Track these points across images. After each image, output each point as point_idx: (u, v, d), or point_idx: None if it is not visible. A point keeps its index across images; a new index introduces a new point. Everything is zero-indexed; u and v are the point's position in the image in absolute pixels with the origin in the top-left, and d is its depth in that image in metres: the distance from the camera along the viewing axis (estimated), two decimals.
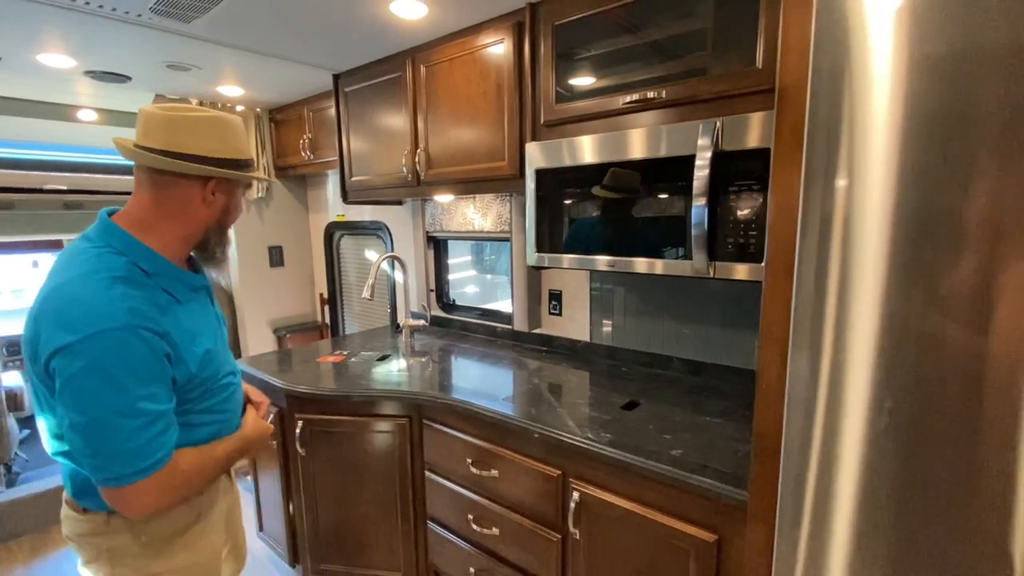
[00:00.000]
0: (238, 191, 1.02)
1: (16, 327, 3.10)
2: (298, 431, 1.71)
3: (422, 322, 2.19)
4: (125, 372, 0.81)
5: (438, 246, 2.48)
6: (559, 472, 1.30)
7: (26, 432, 2.86)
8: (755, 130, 1.10)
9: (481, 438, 1.48)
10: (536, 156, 1.51)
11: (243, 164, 0.99)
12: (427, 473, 1.66)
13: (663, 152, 1.25)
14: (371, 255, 2.95)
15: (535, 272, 2.03)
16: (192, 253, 1.01)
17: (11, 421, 2.42)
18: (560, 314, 2.02)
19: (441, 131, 1.84)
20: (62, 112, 2.60)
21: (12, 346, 3.04)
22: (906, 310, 0.71)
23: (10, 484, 2.31)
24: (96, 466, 0.82)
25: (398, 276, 2.67)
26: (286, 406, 1.76)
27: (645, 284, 1.76)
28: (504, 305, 2.25)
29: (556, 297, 2.02)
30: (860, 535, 0.79)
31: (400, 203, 2.58)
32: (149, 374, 0.84)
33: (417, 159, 1.91)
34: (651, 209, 1.32)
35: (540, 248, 1.56)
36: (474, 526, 1.52)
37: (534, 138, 1.58)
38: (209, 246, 1.01)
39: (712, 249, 1.19)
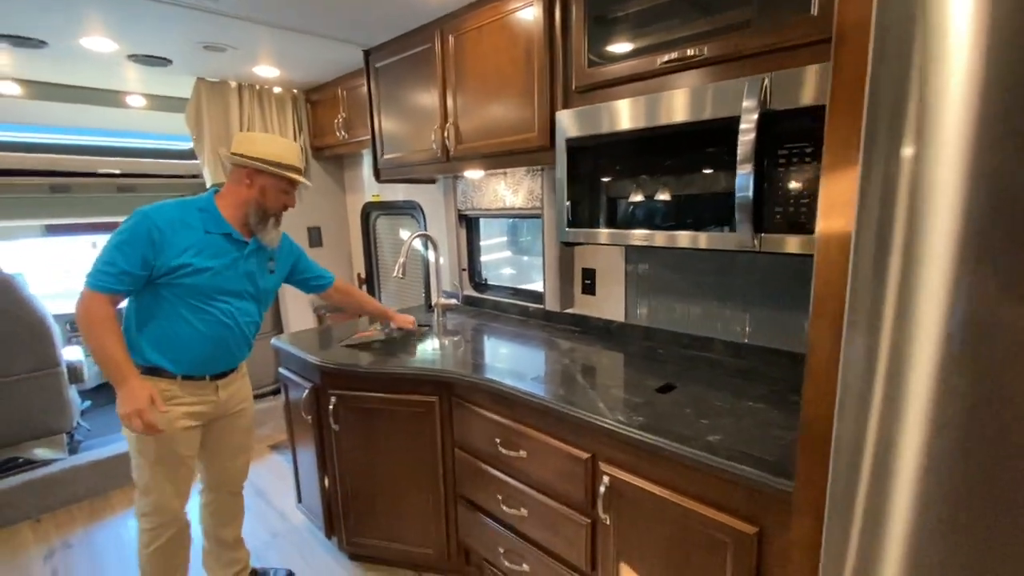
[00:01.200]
0: (272, 182, 1.49)
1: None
2: (331, 406, 1.73)
3: (454, 301, 2.17)
4: (126, 234, 1.33)
5: (470, 224, 2.44)
6: (589, 455, 1.25)
7: (87, 403, 3.06)
8: (808, 85, 0.99)
9: (509, 418, 1.45)
10: (568, 124, 1.44)
11: (282, 166, 1.48)
12: (457, 451, 1.65)
13: (705, 115, 1.15)
14: (405, 235, 2.95)
15: (568, 250, 1.96)
16: (251, 223, 1.50)
17: (73, 393, 2.58)
18: (593, 293, 1.95)
19: (470, 104, 1.78)
20: (112, 98, 2.70)
21: (74, 323, 3.25)
22: (980, 293, 0.61)
23: (72, 451, 2.47)
24: None
25: (430, 255, 2.66)
26: (320, 382, 1.78)
27: (684, 260, 1.66)
28: (536, 284, 2.19)
29: (589, 275, 1.95)
30: (921, 534, 0.70)
31: (433, 181, 2.55)
32: (132, 240, 1.32)
33: (447, 134, 1.87)
34: (692, 178, 1.23)
35: (573, 223, 1.49)
36: (503, 506, 1.49)
37: (566, 106, 1.50)
38: (250, 220, 1.50)
39: (758, 220, 1.09)
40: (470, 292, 2.46)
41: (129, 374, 1.33)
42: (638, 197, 1.34)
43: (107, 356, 1.32)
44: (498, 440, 1.48)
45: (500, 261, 2.49)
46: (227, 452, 1.66)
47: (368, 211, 3.13)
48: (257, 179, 1.46)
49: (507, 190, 2.12)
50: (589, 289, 1.96)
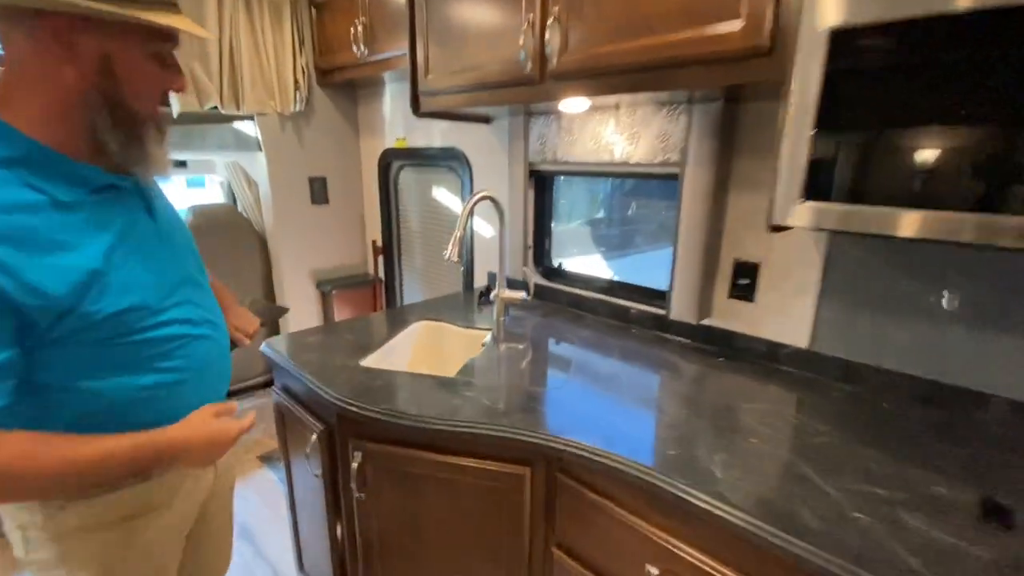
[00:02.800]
0: (123, 43, 0.68)
1: None
2: (355, 464, 1.09)
3: (522, 295, 1.51)
4: None
5: (542, 185, 1.74)
6: None
7: None
8: None
9: (680, 536, 0.82)
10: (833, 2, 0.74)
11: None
12: (558, 553, 1.03)
13: None
14: (441, 195, 2.24)
15: (713, 230, 1.28)
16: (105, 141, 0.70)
17: None
18: (751, 299, 1.29)
19: None
20: None
21: None
22: None
23: None
24: None
25: (483, 226, 1.97)
26: (337, 425, 1.14)
27: (944, 260, 1.00)
28: (653, 279, 1.52)
29: (747, 272, 1.28)
30: None
31: (487, 121, 1.83)
32: None
33: (547, 38, 1.15)
34: None
35: (815, 191, 0.81)
36: None
37: None
38: (102, 135, 0.69)
39: None
40: (537, 280, 1.78)
41: (147, 446, 0.71)
42: (932, 153, 0.67)
43: (97, 469, 0.67)
44: (655, 571, 0.84)
45: (584, 239, 1.80)
46: (212, 543, 1.04)
47: (389, 161, 2.40)
48: (83, 41, 0.65)
49: (618, 135, 1.42)
50: (744, 293, 1.30)
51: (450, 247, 1.32)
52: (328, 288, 2.49)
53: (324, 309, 2.53)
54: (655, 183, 1.69)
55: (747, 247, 1.28)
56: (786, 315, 1.23)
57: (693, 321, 1.34)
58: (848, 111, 0.77)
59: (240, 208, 2.60)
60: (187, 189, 3.73)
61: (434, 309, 1.70)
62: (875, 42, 0.73)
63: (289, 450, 1.40)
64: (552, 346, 1.39)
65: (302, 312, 2.49)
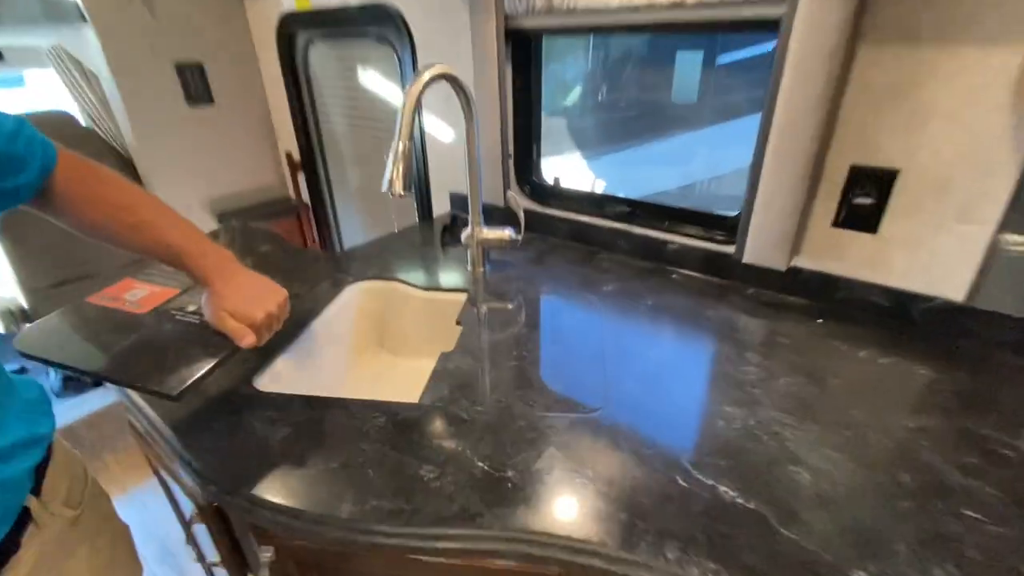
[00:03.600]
0: None
1: None
2: (266, 561, 0.64)
3: (508, 234, 1.00)
4: None
5: (526, 55, 1.15)
6: None
7: None
8: None
9: None
10: None
11: None
12: None
13: None
14: (371, 79, 1.58)
15: (818, 124, 0.77)
16: None
17: None
18: (873, 228, 0.83)
19: None
20: None
21: None
22: None
23: None
24: None
25: (439, 127, 1.37)
26: (244, 530, 0.66)
27: None
28: (700, 196, 1.03)
29: (874, 185, 0.80)
30: None
31: None
32: None
33: None
34: None
35: None
36: None
37: None
38: None
39: None
40: (526, 203, 1.26)
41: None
42: None
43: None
44: None
45: (586, 134, 1.25)
46: None
47: (291, 31, 1.68)
48: None
49: None
50: (862, 219, 0.83)
51: (390, 172, 0.77)
52: (235, 222, 1.87)
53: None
54: (719, 37, 1.12)
55: (878, 145, 0.79)
56: (931, 252, 0.79)
57: (782, 266, 0.88)
58: None
59: (84, 120, 1.83)
60: None
61: (379, 258, 1.16)
62: None
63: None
64: (563, 318, 0.91)
65: None
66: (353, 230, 1.96)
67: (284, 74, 1.76)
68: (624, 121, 1.65)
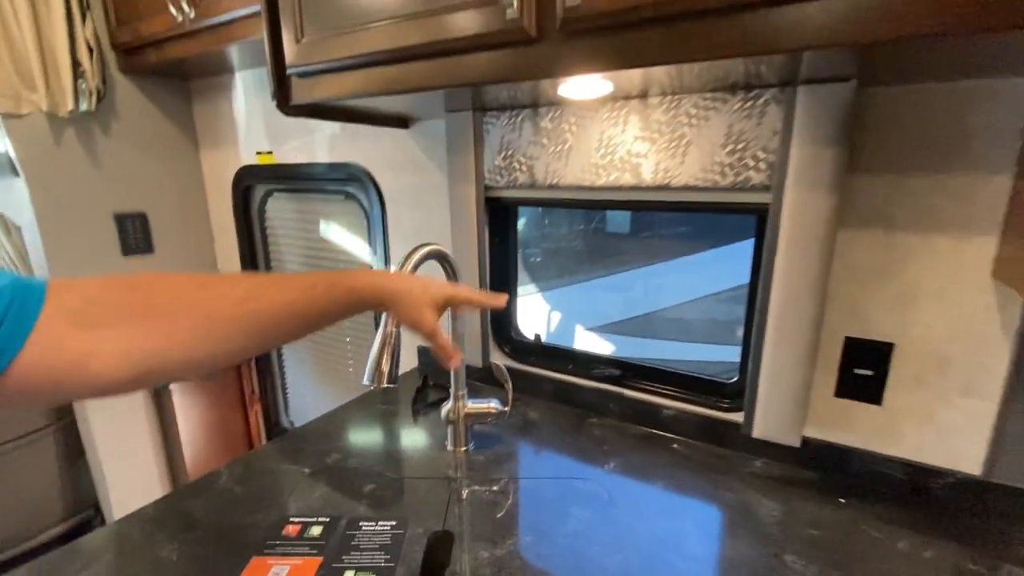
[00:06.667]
0: None
1: None
2: None
3: (494, 407, 0.91)
4: None
5: (503, 220, 1.15)
6: None
7: None
8: None
9: None
10: None
11: None
12: None
13: None
14: (336, 234, 1.54)
15: (818, 304, 0.78)
16: None
17: None
18: (876, 400, 0.81)
19: None
20: None
21: None
22: None
23: None
24: None
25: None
26: None
27: None
28: (693, 351, 1.00)
29: (871, 357, 0.80)
30: None
31: (404, 124, 1.20)
32: None
33: None
34: None
35: None
36: None
37: None
38: None
39: None
40: (503, 360, 1.18)
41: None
42: None
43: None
44: None
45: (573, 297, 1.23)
46: None
47: (248, 184, 1.64)
48: None
49: (647, 143, 0.86)
50: (863, 390, 0.82)
51: (375, 362, 0.69)
52: (163, 386, 1.65)
53: (160, 416, 1.68)
54: (707, 220, 1.18)
55: (869, 318, 0.80)
56: (940, 426, 0.77)
57: (796, 442, 0.83)
58: None
59: None
60: None
61: (337, 438, 1.01)
62: None
63: None
64: (571, 520, 0.80)
65: (122, 428, 1.62)
66: (302, 379, 1.78)
67: (237, 223, 1.69)
68: (571, 255, 1.68)
